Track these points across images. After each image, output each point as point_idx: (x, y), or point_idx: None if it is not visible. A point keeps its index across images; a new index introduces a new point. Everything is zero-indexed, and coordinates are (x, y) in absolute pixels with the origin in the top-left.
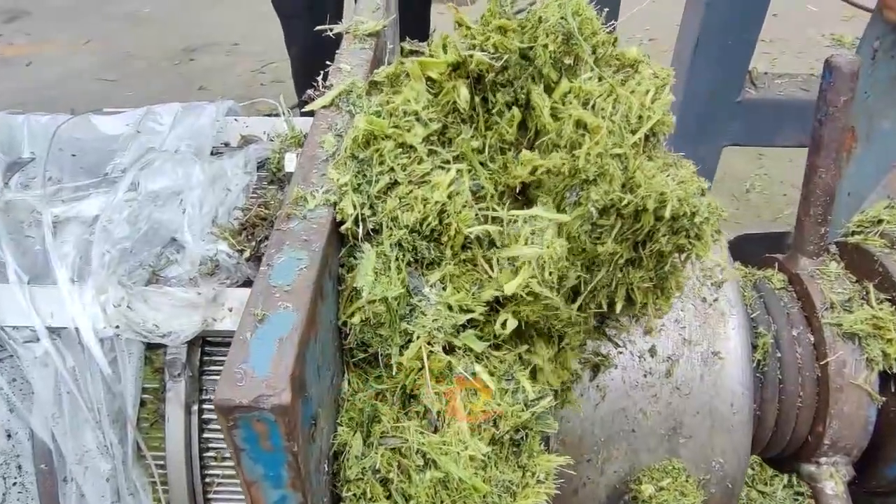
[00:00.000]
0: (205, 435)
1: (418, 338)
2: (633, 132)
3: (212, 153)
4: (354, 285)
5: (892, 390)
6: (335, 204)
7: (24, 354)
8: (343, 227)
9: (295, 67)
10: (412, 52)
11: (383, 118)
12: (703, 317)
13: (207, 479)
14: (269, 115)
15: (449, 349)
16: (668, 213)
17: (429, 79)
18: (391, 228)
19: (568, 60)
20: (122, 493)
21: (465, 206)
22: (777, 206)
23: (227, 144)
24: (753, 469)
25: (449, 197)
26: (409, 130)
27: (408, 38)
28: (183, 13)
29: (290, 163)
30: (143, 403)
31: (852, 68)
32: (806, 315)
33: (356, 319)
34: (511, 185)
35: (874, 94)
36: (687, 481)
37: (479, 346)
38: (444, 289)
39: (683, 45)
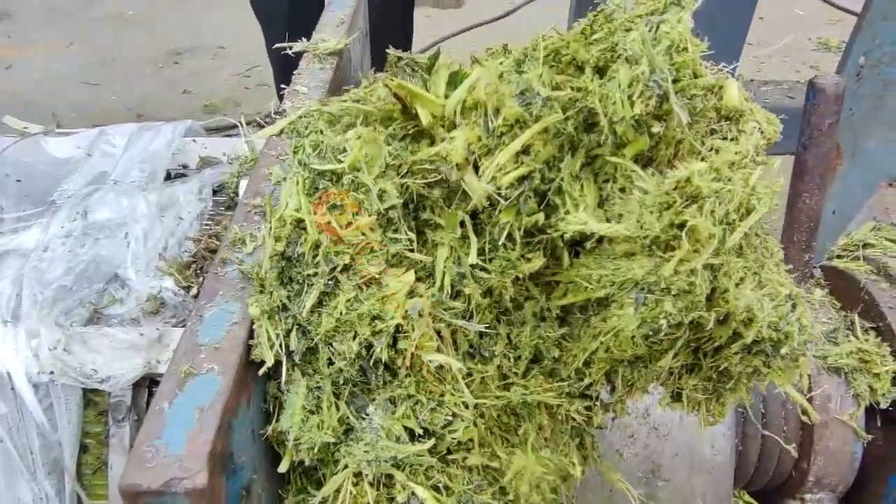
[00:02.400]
0: None
1: (345, 467)
2: (732, 227)
3: (168, 176)
4: (279, 428)
5: (878, 425)
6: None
7: None
8: (260, 372)
9: (276, 74)
10: (398, 60)
11: (323, 187)
12: None
13: None
14: (228, 135)
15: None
16: (749, 338)
17: (412, 115)
18: (329, 353)
19: (657, 129)
20: None
21: (426, 330)
22: None
23: (185, 166)
24: None
25: (405, 316)
26: (356, 211)
27: (391, 47)
28: (168, 16)
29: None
30: (84, 449)
31: (837, 90)
32: None
33: (283, 466)
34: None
35: (859, 112)
36: None
37: (429, 462)
38: (394, 406)
39: None
